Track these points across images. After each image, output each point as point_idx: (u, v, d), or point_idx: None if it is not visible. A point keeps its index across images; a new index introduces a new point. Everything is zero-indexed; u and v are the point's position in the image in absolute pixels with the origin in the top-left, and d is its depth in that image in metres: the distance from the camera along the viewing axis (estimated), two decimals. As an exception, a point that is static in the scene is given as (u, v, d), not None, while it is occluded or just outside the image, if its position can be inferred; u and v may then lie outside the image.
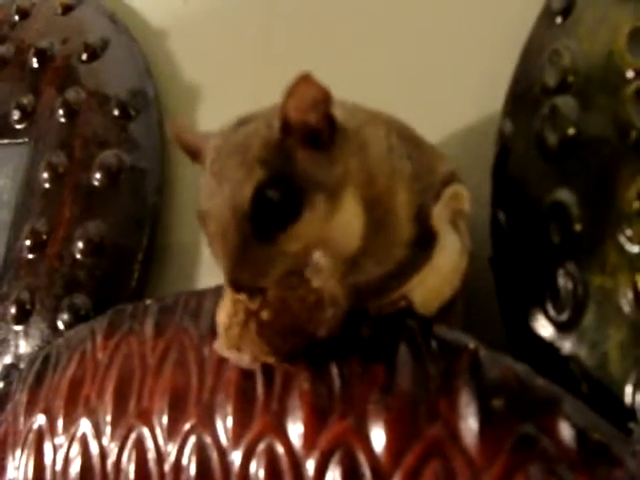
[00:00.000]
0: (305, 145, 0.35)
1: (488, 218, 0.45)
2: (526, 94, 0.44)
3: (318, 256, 0.38)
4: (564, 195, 0.40)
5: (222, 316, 0.40)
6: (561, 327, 0.39)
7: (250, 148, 0.34)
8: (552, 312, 0.40)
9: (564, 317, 0.39)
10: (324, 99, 0.35)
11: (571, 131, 0.41)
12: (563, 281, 0.39)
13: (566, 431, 0.35)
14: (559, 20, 0.44)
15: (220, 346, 0.41)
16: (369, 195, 0.37)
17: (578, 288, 0.39)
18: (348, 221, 0.37)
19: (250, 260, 0.34)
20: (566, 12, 0.43)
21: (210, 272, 0.58)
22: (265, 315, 0.38)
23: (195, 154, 0.39)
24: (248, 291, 0.36)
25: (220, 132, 0.37)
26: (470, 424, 0.37)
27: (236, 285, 0.34)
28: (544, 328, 0.40)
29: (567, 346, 0.39)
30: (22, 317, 0.58)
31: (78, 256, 0.57)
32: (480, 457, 0.36)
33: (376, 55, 0.54)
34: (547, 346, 0.40)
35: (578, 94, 0.41)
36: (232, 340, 0.39)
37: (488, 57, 0.49)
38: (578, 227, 0.39)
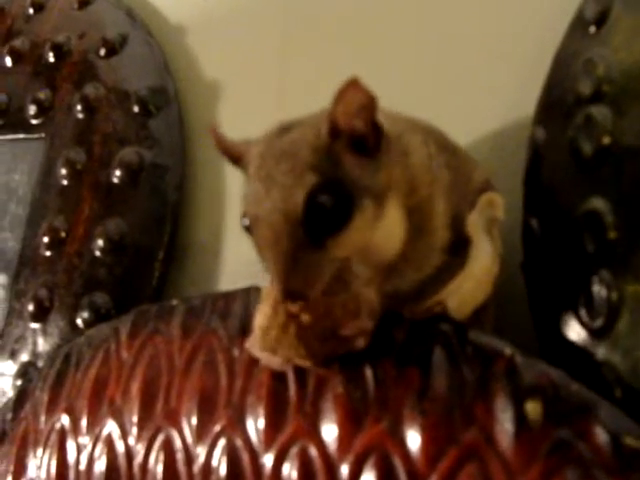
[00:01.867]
0: (352, 150, 0.35)
1: (519, 224, 0.45)
2: (559, 102, 0.44)
3: (357, 263, 0.38)
4: (598, 203, 0.41)
5: (261, 317, 0.40)
6: (595, 333, 0.40)
7: (299, 154, 0.34)
8: (586, 318, 0.40)
9: (598, 323, 0.40)
10: (371, 104, 0.35)
11: (606, 140, 0.41)
12: (597, 288, 0.40)
13: (602, 436, 0.36)
14: (592, 30, 0.44)
15: (253, 346, 0.41)
16: (410, 203, 0.38)
17: (612, 295, 0.39)
18: (391, 228, 0.37)
19: (302, 267, 0.34)
20: (600, 22, 0.43)
21: (231, 271, 0.58)
22: (306, 318, 0.38)
23: (236, 159, 0.39)
24: (298, 298, 0.35)
25: (262, 138, 0.37)
26: (506, 428, 0.37)
27: (287, 292, 0.34)
28: (577, 334, 0.41)
29: (600, 352, 0.40)
30: (40, 315, 0.57)
31: (98, 254, 0.57)
32: (516, 461, 0.37)
33: (406, 60, 0.54)
34: (580, 352, 0.40)
35: (613, 103, 0.41)
36: (269, 342, 0.40)
37: (519, 64, 0.49)
38: (612, 235, 0.40)
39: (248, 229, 0.36)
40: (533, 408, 0.37)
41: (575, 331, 0.41)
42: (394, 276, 0.38)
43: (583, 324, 0.40)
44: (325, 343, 0.39)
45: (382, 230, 0.36)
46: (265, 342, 0.40)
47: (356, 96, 0.34)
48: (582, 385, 0.38)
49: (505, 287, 0.44)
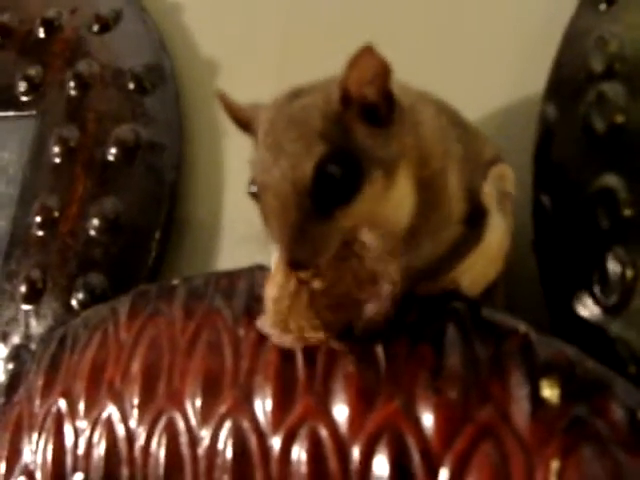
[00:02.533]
0: (364, 119, 0.34)
1: (528, 201, 0.45)
2: (570, 79, 0.44)
3: (366, 233, 0.37)
4: (612, 180, 0.40)
5: (271, 289, 0.39)
6: (609, 310, 0.40)
7: (308, 121, 0.34)
8: (600, 295, 0.40)
9: (612, 300, 0.40)
10: (385, 72, 0.34)
11: (619, 118, 0.41)
12: (612, 265, 0.40)
13: (618, 412, 0.36)
14: (603, 7, 0.44)
15: (264, 323, 0.40)
16: (422, 175, 0.37)
17: (627, 272, 0.39)
18: (400, 199, 0.36)
19: (308, 237, 0.33)
20: (610, -1, 0.43)
21: (229, 250, 0.57)
22: (317, 284, 0.37)
23: (246, 124, 0.38)
24: (304, 268, 0.35)
25: (272, 104, 0.36)
26: (522, 406, 0.37)
27: (293, 262, 0.34)
28: (591, 311, 0.40)
29: (615, 329, 0.40)
30: (33, 296, 0.56)
31: (93, 233, 0.55)
32: (533, 439, 0.36)
33: (415, 36, 0.53)
34: (594, 329, 0.40)
35: (625, 81, 0.41)
36: (280, 314, 0.38)
37: (527, 40, 0.49)
38: (627, 212, 0.40)
39: (255, 196, 0.35)
40: (549, 386, 0.37)
41: (589, 308, 0.41)
42: (414, 248, 0.38)
43: (597, 301, 0.40)
44: (337, 311, 0.38)
45: (392, 201, 0.36)
46: (276, 313, 0.38)
47: (370, 63, 0.33)
48: (597, 362, 0.37)
49: (515, 265, 0.44)
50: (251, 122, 0.37)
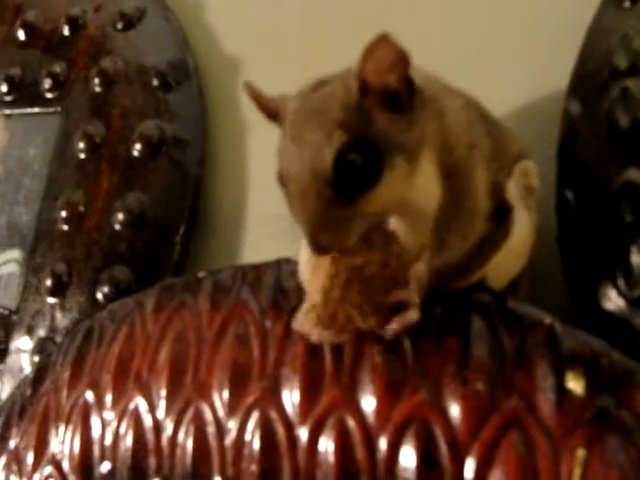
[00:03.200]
0: (384, 107, 0.35)
1: (552, 196, 0.45)
2: (594, 75, 0.44)
3: (395, 222, 0.38)
4: (636, 175, 0.41)
5: (317, 281, 0.38)
6: (633, 303, 0.40)
7: (329, 111, 0.35)
8: (624, 288, 0.41)
9: (637, 293, 0.40)
10: (402, 60, 0.35)
11: (643, 113, 0.41)
12: (636, 258, 0.40)
13: (643, 403, 0.37)
14: (627, 4, 0.44)
15: (302, 321, 0.39)
16: (447, 162, 0.38)
17: (652, 265, 0.40)
18: (426, 183, 0.37)
19: (331, 222, 0.34)
20: (635, -4, 0.44)
21: (253, 245, 0.58)
22: (368, 271, 0.38)
23: (273, 114, 0.39)
24: (328, 252, 0.36)
25: (298, 94, 0.37)
26: (548, 396, 0.37)
27: (318, 247, 0.35)
28: (615, 304, 0.41)
29: (639, 321, 0.40)
30: (58, 289, 0.57)
31: (118, 228, 0.56)
32: (558, 429, 0.37)
33: (439, 33, 0.54)
34: (618, 321, 0.41)
35: (650, 77, 0.42)
36: (330, 306, 0.38)
37: (551, 36, 0.49)
38: (652, 206, 0.40)
39: (282, 185, 0.36)
40: (574, 377, 0.38)
41: (613, 301, 0.41)
42: (442, 246, 0.38)
43: (621, 294, 0.41)
44: (387, 296, 0.38)
45: (416, 186, 0.36)
46: (326, 306, 0.38)
47: (385, 52, 0.34)
48: (622, 354, 0.38)
49: (539, 260, 0.44)
50: (279, 112, 0.38)
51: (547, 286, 0.45)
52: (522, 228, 0.41)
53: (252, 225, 0.57)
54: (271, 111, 0.39)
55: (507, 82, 0.50)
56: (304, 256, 0.42)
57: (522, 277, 0.43)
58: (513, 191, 0.40)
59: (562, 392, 0.37)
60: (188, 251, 0.57)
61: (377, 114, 0.35)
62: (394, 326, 0.38)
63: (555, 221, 0.45)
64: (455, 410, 0.39)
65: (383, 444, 0.40)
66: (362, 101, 0.35)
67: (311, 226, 0.34)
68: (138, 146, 0.57)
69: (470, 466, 0.38)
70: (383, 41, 0.33)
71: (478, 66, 0.51)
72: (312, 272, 0.40)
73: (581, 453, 0.36)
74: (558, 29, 0.49)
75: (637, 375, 0.37)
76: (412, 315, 0.38)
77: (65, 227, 0.58)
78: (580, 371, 0.38)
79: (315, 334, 0.39)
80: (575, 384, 0.37)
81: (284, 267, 0.47)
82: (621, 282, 0.41)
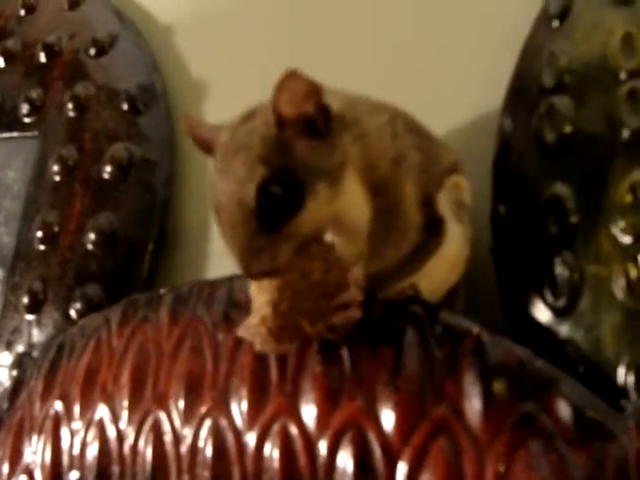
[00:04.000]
0: (303, 135, 0.37)
1: (488, 210, 0.47)
2: (525, 93, 0.46)
3: (335, 235, 0.40)
4: (561, 189, 0.43)
5: (266, 293, 0.40)
6: (558, 313, 0.42)
7: (251, 146, 0.37)
8: (550, 298, 0.42)
9: (561, 303, 0.42)
10: (314, 90, 0.37)
11: (567, 129, 0.43)
12: (560, 269, 0.42)
13: (564, 409, 0.38)
14: (556, 24, 0.46)
15: (247, 330, 0.41)
16: (372, 179, 0.40)
17: (574, 276, 0.41)
18: (352, 202, 0.39)
19: (259, 250, 0.36)
20: (562, 16, 0.45)
21: (219, 262, 0.60)
22: (313, 277, 0.39)
23: (207, 148, 0.41)
24: (261, 278, 0.38)
25: (229, 126, 0.39)
26: (474, 404, 0.39)
27: (250, 274, 0.37)
28: (542, 314, 0.43)
29: (564, 330, 0.42)
30: (35, 307, 0.59)
31: (90, 247, 0.59)
32: (484, 434, 0.39)
33: (380, 52, 0.56)
34: (545, 330, 0.42)
35: (574, 94, 0.44)
36: (280, 318, 0.39)
37: (488, 56, 0.51)
38: (574, 219, 0.42)
39: (215, 214, 0.38)
40: (499, 384, 0.39)
41: (541, 311, 0.43)
42: (376, 256, 0.40)
43: (548, 304, 0.42)
44: (332, 300, 0.40)
45: (343, 205, 0.38)
46: (276, 317, 0.40)
47: (297, 85, 0.36)
48: (547, 362, 0.40)
49: (476, 271, 0.46)
50: (212, 145, 0.40)
51: (484, 295, 0.47)
52: (454, 241, 0.43)
53: (217, 242, 0.59)
54: (205, 144, 0.41)
55: (447, 99, 0.52)
56: None
57: (458, 288, 0.45)
58: (444, 203, 0.42)
59: (488, 399, 0.39)
60: (157, 268, 0.59)
61: (297, 143, 0.37)
62: (338, 321, 0.40)
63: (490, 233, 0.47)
64: (388, 417, 0.41)
65: (322, 450, 0.42)
66: (281, 134, 0.37)
67: (241, 255, 0.37)
68: (108, 168, 0.60)
69: (402, 470, 0.40)
70: (292, 75, 0.36)
71: (418, 83, 0.53)
72: (258, 285, 0.41)
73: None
74: (497, 47, 0.51)
75: (559, 382, 0.39)
76: (354, 312, 0.40)
77: (41, 247, 0.60)
78: (505, 378, 0.39)
79: (259, 343, 0.41)
80: (500, 391, 0.39)
81: (236, 282, 0.49)
82: (547, 292, 0.42)
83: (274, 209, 0.36)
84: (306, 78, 0.36)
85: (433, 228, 0.42)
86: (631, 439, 0.37)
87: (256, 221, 0.36)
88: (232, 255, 0.37)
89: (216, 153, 0.39)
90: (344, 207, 0.39)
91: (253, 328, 0.41)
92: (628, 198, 0.40)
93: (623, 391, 0.40)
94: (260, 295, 0.41)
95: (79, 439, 0.51)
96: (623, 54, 0.42)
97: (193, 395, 0.47)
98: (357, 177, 0.39)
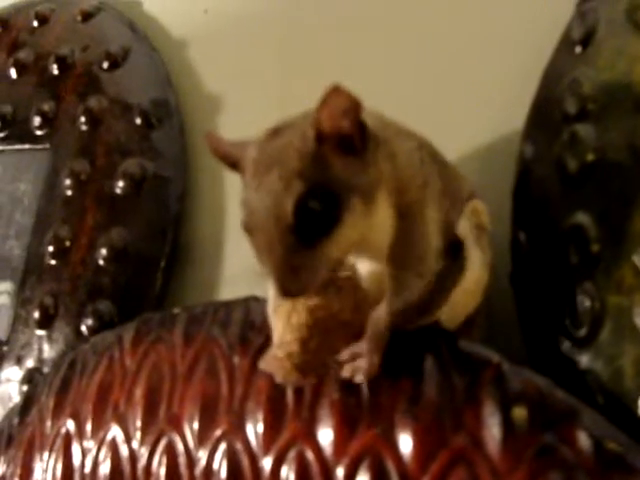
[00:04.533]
0: (339, 151, 0.37)
1: (508, 237, 0.47)
2: (546, 120, 0.46)
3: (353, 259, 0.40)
4: (582, 218, 0.42)
5: (294, 330, 0.41)
6: (579, 343, 0.42)
7: (287, 161, 0.36)
8: (570, 328, 0.42)
9: (582, 333, 0.42)
10: (354, 106, 0.36)
11: (590, 157, 0.43)
12: (581, 299, 0.42)
13: (584, 441, 0.38)
14: (579, 50, 0.46)
15: (269, 364, 0.41)
16: (401, 202, 0.39)
17: (595, 306, 0.41)
18: (381, 224, 0.39)
19: (297, 268, 0.35)
20: (585, 42, 0.45)
21: (231, 279, 0.60)
22: (342, 316, 0.40)
23: (233, 164, 0.40)
24: (296, 296, 0.37)
25: (256, 142, 0.38)
26: (494, 433, 0.39)
27: (285, 292, 0.36)
28: (563, 343, 0.42)
29: (584, 361, 0.41)
30: (46, 322, 0.59)
31: (101, 263, 0.59)
32: (503, 464, 0.39)
33: (400, 73, 0.56)
34: (565, 360, 0.42)
35: (597, 121, 0.43)
36: (308, 355, 0.40)
37: (508, 82, 0.51)
38: (595, 248, 0.42)
39: (248, 234, 0.38)
40: (519, 415, 0.39)
41: (561, 341, 0.43)
42: (400, 288, 0.40)
43: (568, 334, 0.42)
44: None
45: (373, 226, 0.38)
46: (304, 355, 0.40)
47: (339, 100, 0.35)
48: (567, 392, 0.39)
49: (496, 298, 0.46)
50: (238, 162, 0.39)
51: (503, 325, 0.47)
52: (475, 266, 0.43)
53: (231, 259, 0.59)
54: (231, 161, 0.40)
55: (467, 124, 0.51)
56: (272, 294, 0.44)
57: (477, 315, 0.45)
58: (465, 228, 0.42)
59: (507, 429, 0.39)
60: (169, 285, 0.59)
61: (333, 159, 0.36)
62: (344, 374, 0.40)
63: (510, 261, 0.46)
64: (406, 444, 0.41)
65: (340, 476, 0.42)
66: (318, 149, 0.36)
67: (277, 272, 0.36)
68: (121, 183, 0.60)
69: (420, 500, 0.40)
70: (336, 90, 0.35)
71: (438, 108, 0.53)
72: (283, 316, 0.41)
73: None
74: (518, 73, 0.51)
75: (580, 413, 0.39)
76: (361, 363, 0.40)
77: (52, 261, 0.60)
78: (525, 409, 0.39)
79: (281, 376, 0.41)
80: (520, 422, 0.39)
81: (252, 303, 0.49)
82: (568, 322, 0.42)
83: (312, 224, 0.36)
84: (348, 94, 0.35)
85: (454, 252, 0.41)
86: (652, 473, 0.37)
87: (294, 237, 0.35)
88: (266, 273, 0.36)
89: (245, 170, 0.38)
90: (374, 227, 0.38)
91: (277, 362, 0.41)
92: (651, 228, 0.40)
93: (643, 423, 0.40)
94: (286, 331, 0.41)
95: (91, 458, 0.51)
96: (648, 81, 0.42)
97: (208, 417, 0.47)
98: (389, 199, 0.39)
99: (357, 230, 0.37)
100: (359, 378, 0.41)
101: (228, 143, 0.42)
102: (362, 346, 0.40)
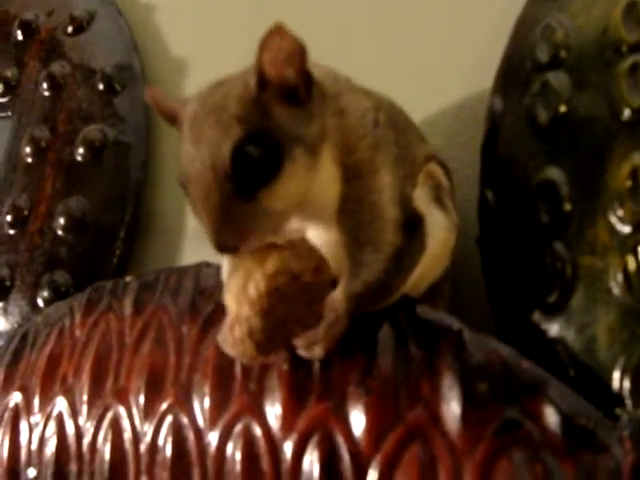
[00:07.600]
0: (282, 100, 0.35)
1: (477, 199, 0.43)
2: (517, 70, 0.43)
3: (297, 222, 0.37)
4: (554, 173, 0.39)
5: (254, 301, 0.37)
6: (549, 309, 0.38)
7: (226, 107, 0.34)
8: (540, 293, 0.39)
9: (552, 299, 0.38)
10: (299, 51, 0.34)
11: (562, 108, 0.40)
12: (551, 262, 0.38)
13: (551, 416, 0.35)
14: (553, -6, 0.42)
15: (226, 340, 0.38)
16: (347, 161, 0.37)
17: (567, 269, 0.38)
18: (326, 178, 0.36)
19: (233, 220, 0.33)
20: (560, -14, 0.42)
21: (193, 249, 0.57)
22: (305, 278, 0.37)
23: (173, 119, 0.38)
24: (232, 251, 0.35)
25: (197, 95, 0.37)
26: (453, 408, 0.36)
27: (220, 246, 0.34)
28: (531, 310, 0.39)
29: (554, 329, 0.38)
30: (1, 294, 0.57)
31: (59, 232, 0.56)
32: (462, 442, 0.35)
33: (366, 32, 0.53)
34: (534, 328, 0.39)
35: (570, 70, 0.40)
36: (271, 328, 0.37)
37: (479, 34, 0.48)
38: (568, 207, 0.38)
39: (184, 188, 0.35)
40: (481, 387, 0.36)
41: (529, 307, 0.39)
42: (357, 266, 0.37)
43: (537, 299, 0.39)
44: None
45: (316, 182, 0.36)
46: (267, 330, 0.37)
47: (282, 43, 0.33)
48: (534, 363, 0.36)
49: (463, 262, 0.42)
50: (177, 116, 0.37)
51: (470, 290, 0.43)
52: (438, 230, 0.39)
53: (193, 229, 0.56)
54: (170, 115, 0.38)
55: (436, 83, 0.48)
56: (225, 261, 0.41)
57: (443, 281, 0.42)
58: (421, 198, 0.39)
59: (467, 403, 0.36)
60: (129, 256, 0.57)
61: (276, 107, 0.34)
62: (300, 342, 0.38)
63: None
64: (358, 420, 0.37)
65: (287, 452, 0.39)
66: (260, 95, 0.34)
67: (213, 225, 0.33)
68: (81, 150, 0.57)
69: (372, 478, 0.36)
70: (278, 32, 0.33)
71: (405, 63, 0.50)
72: (238, 286, 0.38)
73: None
74: (490, 26, 0.47)
75: (547, 386, 0.36)
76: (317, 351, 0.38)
77: (10, 231, 0.58)
78: (486, 381, 0.36)
79: (242, 358, 0.39)
80: (481, 395, 0.36)
81: (204, 270, 0.46)
82: (537, 287, 0.39)
83: (251, 172, 0.33)
84: (292, 36, 0.33)
85: (412, 226, 0.38)
86: (625, 451, 0.34)
87: (231, 185, 0.33)
88: (203, 226, 0.34)
89: (183, 123, 0.36)
90: (317, 184, 0.36)
91: (237, 342, 0.38)
92: (628, 183, 0.37)
93: (618, 397, 0.36)
94: (242, 303, 0.37)
95: (37, 434, 0.48)
96: (625, 25, 0.38)
97: (154, 390, 0.44)
98: (334, 154, 0.36)
99: (299, 183, 0.35)
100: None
101: (170, 98, 0.40)
102: (319, 332, 0.37)
